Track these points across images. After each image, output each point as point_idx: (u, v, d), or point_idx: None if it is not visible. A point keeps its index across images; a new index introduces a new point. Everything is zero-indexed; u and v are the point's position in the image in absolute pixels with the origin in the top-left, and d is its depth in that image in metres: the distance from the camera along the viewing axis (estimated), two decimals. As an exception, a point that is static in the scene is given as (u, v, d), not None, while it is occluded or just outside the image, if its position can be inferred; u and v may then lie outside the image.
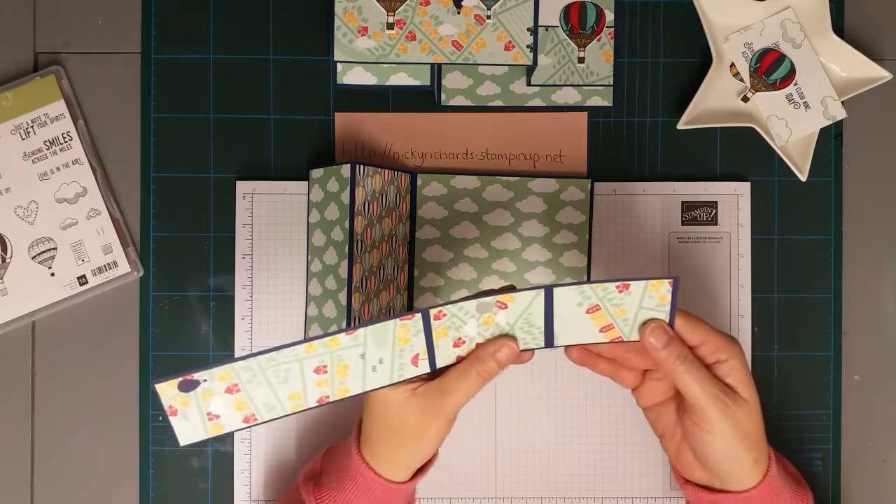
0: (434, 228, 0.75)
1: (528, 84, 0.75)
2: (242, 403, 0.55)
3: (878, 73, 0.75)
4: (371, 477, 0.61)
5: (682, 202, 0.76)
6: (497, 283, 0.75)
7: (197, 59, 0.76)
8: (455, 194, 0.75)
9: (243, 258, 0.75)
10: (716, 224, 0.76)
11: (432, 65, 0.74)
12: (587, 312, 0.58)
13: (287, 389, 0.56)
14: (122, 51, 0.76)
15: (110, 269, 0.74)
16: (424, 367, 0.58)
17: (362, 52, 0.69)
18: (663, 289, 0.57)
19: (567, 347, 0.62)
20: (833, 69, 0.76)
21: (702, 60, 0.76)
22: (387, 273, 0.72)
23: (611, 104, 0.76)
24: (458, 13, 0.69)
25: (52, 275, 0.73)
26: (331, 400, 0.57)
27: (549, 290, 0.56)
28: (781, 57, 0.75)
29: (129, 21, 0.76)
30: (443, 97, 0.76)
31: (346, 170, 0.69)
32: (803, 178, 0.75)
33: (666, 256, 0.76)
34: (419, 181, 0.75)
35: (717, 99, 0.76)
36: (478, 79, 0.76)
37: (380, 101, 0.76)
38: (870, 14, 0.77)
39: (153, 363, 0.75)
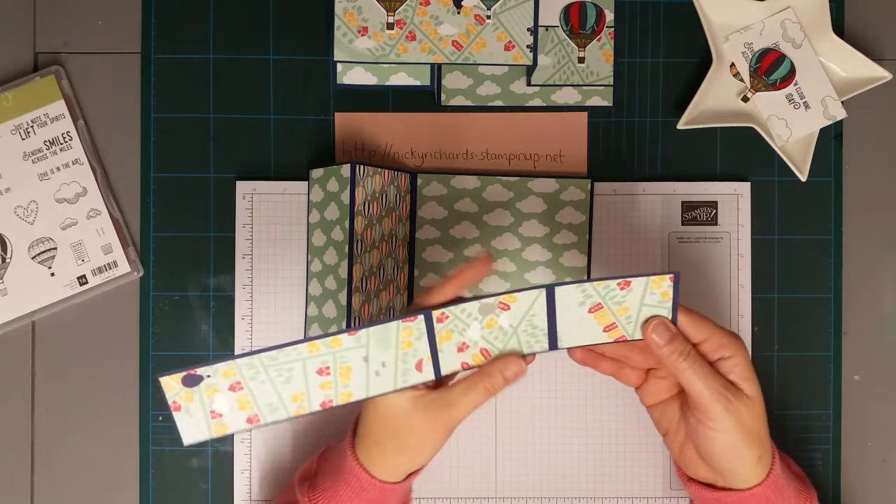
0: (434, 228, 0.75)
1: (528, 84, 0.75)
2: (245, 402, 0.55)
3: (878, 73, 0.75)
4: (365, 478, 0.61)
5: (682, 202, 0.76)
6: (497, 284, 0.75)
7: (197, 59, 0.76)
8: (455, 194, 0.75)
9: (243, 258, 0.75)
10: (716, 224, 0.76)
11: (432, 65, 0.74)
12: (590, 312, 0.58)
13: (290, 390, 0.56)
14: (122, 51, 0.76)
15: (110, 269, 0.74)
16: (429, 373, 0.58)
17: (362, 52, 0.69)
18: (664, 284, 0.57)
19: (570, 348, 0.61)
20: (833, 69, 0.76)
21: (702, 60, 0.76)
22: (387, 273, 0.72)
23: (611, 104, 0.76)
24: (458, 13, 0.69)
25: (52, 275, 0.73)
26: (335, 404, 0.57)
27: (550, 290, 0.56)
28: (781, 57, 0.75)
29: (129, 21, 0.76)
30: (443, 97, 0.76)
31: (346, 170, 0.69)
32: (803, 178, 0.75)
33: (666, 256, 0.76)
34: (419, 181, 0.75)
35: (717, 99, 0.76)
36: (478, 79, 0.76)
37: (380, 101, 0.76)
38: (870, 14, 0.77)
39: (153, 363, 0.75)
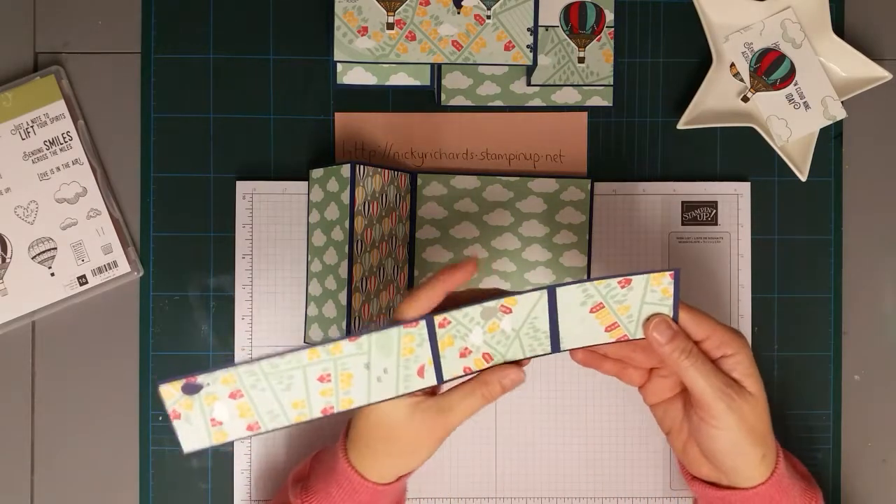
0: (434, 228, 0.75)
1: (528, 84, 0.75)
2: (246, 410, 0.55)
3: (878, 73, 0.75)
4: (357, 480, 0.60)
5: (682, 202, 0.76)
6: (497, 283, 0.75)
7: (197, 59, 0.76)
8: (455, 194, 0.75)
9: (243, 258, 0.75)
10: (716, 224, 0.76)
11: (432, 65, 0.74)
12: (591, 312, 0.58)
13: (291, 397, 0.55)
14: (122, 51, 0.76)
15: (110, 269, 0.74)
16: (431, 379, 0.58)
17: (362, 52, 0.69)
18: (665, 281, 0.57)
19: (572, 350, 0.61)
20: (833, 69, 0.76)
21: (702, 60, 0.76)
22: (387, 273, 0.72)
23: (611, 104, 0.76)
24: (458, 13, 0.69)
25: (52, 275, 0.73)
26: (336, 411, 0.57)
27: (552, 291, 0.56)
28: (781, 57, 0.75)
29: (129, 21, 0.76)
30: (443, 97, 0.76)
31: (346, 170, 0.69)
32: (803, 178, 0.75)
33: (666, 256, 0.76)
34: (419, 181, 0.75)
35: (717, 99, 0.76)
36: (478, 79, 0.76)
37: (380, 101, 0.76)
38: (870, 14, 0.77)
39: (153, 363, 0.75)
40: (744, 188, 0.76)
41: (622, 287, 0.57)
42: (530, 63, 0.70)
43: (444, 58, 0.70)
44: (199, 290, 0.75)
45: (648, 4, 0.77)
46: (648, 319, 0.59)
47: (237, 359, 0.74)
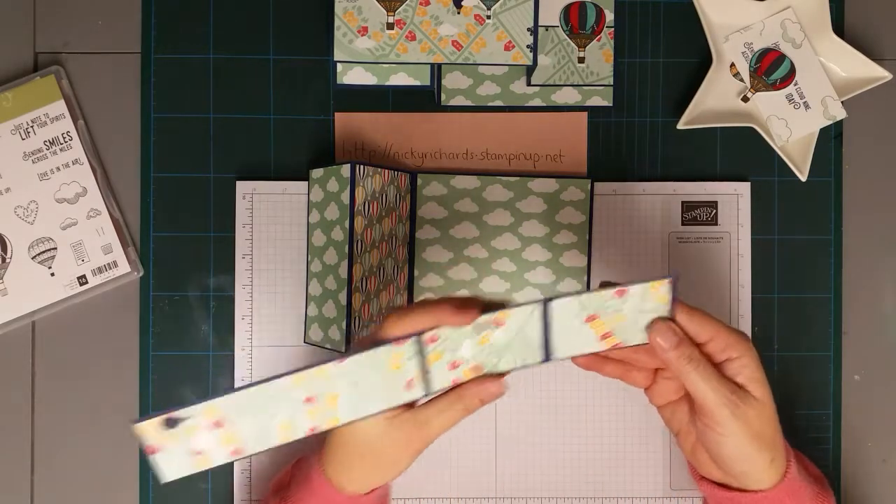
0: (434, 228, 0.75)
1: (528, 84, 0.75)
2: (230, 438, 0.53)
3: (878, 73, 0.75)
4: (333, 493, 0.59)
5: (682, 202, 0.76)
6: (497, 283, 0.75)
7: (197, 59, 0.76)
8: (455, 194, 0.75)
9: (243, 258, 0.75)
10: (716, 224, 0.76)
11: (432, 65, 0.74)
12: (585, 322, 0.57)
13: (277, 421, 0.54)
14: (122, 51, 0.76)
15: (110, 269, 0.74)
16: (419, 392, 0.56)
17: (362, 52, 0.69)
18: (662, 289, 0.57)
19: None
20: (833, 69, 0.76)
21: (702, 60, 0.77)
22: (387, 273, 0.72)
23: (611, 104, 0.76)
24: (458, 13, 0.69)
25: (52, 275, 0.73)
26: (320, 430, 0.55)
27: (546, 304, 0.55)
28: (781, 57, 0.75)
29: (129, 21, 0.76)
30: (443, 97, 0.76)
31: (346, 170, 0.69)
32: (803, 178, 0.75)
33: (666, 256, 0.76)
34: (419, 181, 0.75)
35: (717, 99, 0.76)
36: (478, 79, 0.76)
37: (380, 101, 0.76)
38: (870, 14, 0.77)
39: (153, 363, 0.75)
40: (744, 188, 0.76)
41: (619, 297, 0.56)
42: (530, 63, 0.70)
43: (444, 58, 0.70)
44: (199, 290, 0.75)
45: (648, 4, 0.77)
46: (652, 324, 0.58)
47: (237, 359, 0.74)
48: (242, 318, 0.75)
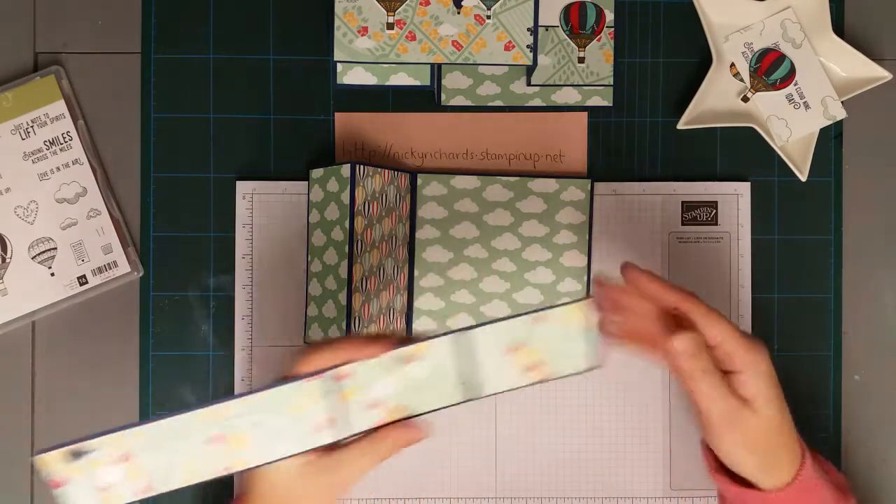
0: (434, 228, 0.75)
1: (528, 84, 0.75)
2: (137, 473, 0.52)
3: (878, 73, 0.75)
4: None
5: (682, 202, 0.76)
6: (497, 283, 0.75)
7: (197, 59, 0.76)
8: (455, 194, 0.75)
9: (243, 258, 0.75)
10: (716, 224, 0.76)
11: (432, 65, 0.74)
12: (509, 353, 0.54)
13: (183, 458, 0.53)
14: (122, 51, 0.76)
15: (110, 269, 0.74)
16: (333, 435, 0.54)
17: (362, 52, 0.69)
18: (583, 312, 0.54)
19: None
20: (833, 69, 0.76)
21: (702, 60, 0.76)
22: (387, 273, 0.72)
23: (611, 104, 0.76)
24: (458, 13, 0.69)
25: (52, 275, 0.73)
26: (232, 471, 0.54)
27: (463, 335, 0.54)
28: (781, 57, 0.75)
29: (129, 21, 0.76)
30: (443, 97, 0.76)
31: (346, 170, 0.69)
32: (803, 178, 0.75)
33: (666, 256, 0.76)
34: (419, 181, 0.75)
35: (717, 99, 0.76)
36: (478, 79, 0.76)
37: (380, 101, 0.76)
38: (870, 14, 0.77)
39: (153, 363, 0.75)
40: (744, 188, 0.76)
41: (537, 323, 0.54)
42: (530, 63, 0.70)
43: (444, 58, 0.70)
44: (199, 290, 0.75)
45: (648, 4, 0.77)
46: (677, 330, 0.57)
47: (237, 359, 0.74)
48: (242, 318, 0.75)
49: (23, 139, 0.73)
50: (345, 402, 0.54)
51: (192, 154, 0.75)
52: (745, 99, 0.76)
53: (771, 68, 0.75)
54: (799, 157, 0.76)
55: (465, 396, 0.55)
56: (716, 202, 0.76)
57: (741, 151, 0.77)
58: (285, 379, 0.54)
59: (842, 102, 0.75)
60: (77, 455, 0.51)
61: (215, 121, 0.76)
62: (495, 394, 0.55)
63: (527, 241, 0.75)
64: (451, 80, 0.75)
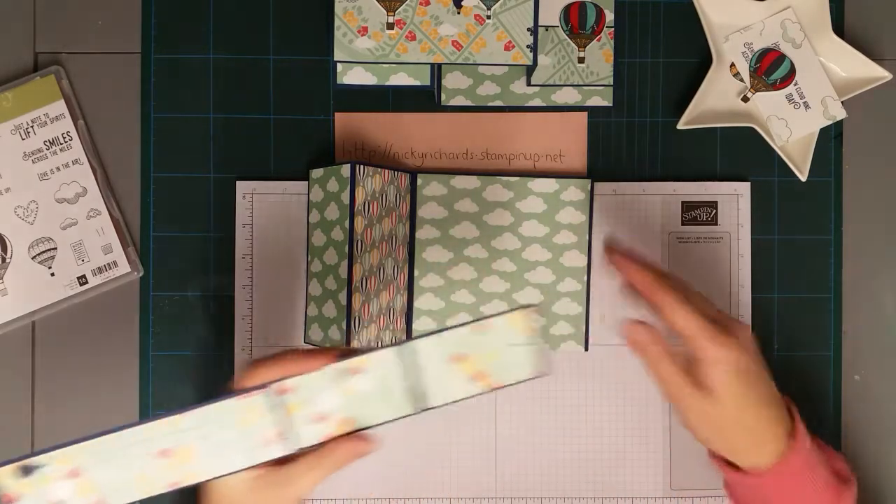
0: (434, 228, 0.75)
1: (528, 84, 0.75)
2: (88, 488, 0.52)
3: (878, 73, 0.75)
4: None
5: (682, 202, 0.76)
6: (497, 283, 0.75)
7: (197, 59, 0.76)
8: (455, 194, 0.75)
9: (243, 258, 0.75)
10: (716, 224, 0.76)
11: (432, 65, 0.74)
12: (453, 362, 0.54)
13: (133, 473, 0.53)
14: (122, 51, 0.76)
15: (110, 269, 0.74)
16: (281, 449, 0.54)
17: (362, 52, 0.69)
18: (526, 319, 0.54)
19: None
20: (833, 69, 0.76)
21: (702, 60, 0.77)
22: (387, 273, 0.72)
23: (611, 104, 0.76)
24: (458, 13, 0.69)
25: (52, 275, 0.73)
26: (182, 485, 0.54)
27: (407, 346, 0.54)
28: (781, 57, 0.75)
29: (129, 21, 0.76)
30: (443, 97, 0.76)
31: (346, 170, 0.69)
32: (803, 178, 0.75)
33: (666, 256, 0.76)
34: (419, 181, 0.75)
35: (717, 99, 0.76)
36: (478, 79, 0.76)
37: (380, 101, 0.76)
38: (870, 14, 0.77)
39: (153, 363, 0.75)
40: (744, 188, 0.76)
41: (481, 332, 0.54)
42: (530, 63, 0.70)
43: (444, 58, 0.70)
44: (199, 290, 0.75)
45: (648, 4, 0.77)
46: (628, 323, 0.61)
47: (236, 359, 0.74)
48: (242, 318, 0.75)
49: (23, 139, 0.73)
50: (290, 416, 0.54)
51: (192, 154, 0.75)
52: (745, 99, 0.76)
53: (771, 68, 0.75)
54: (799, 157, 0.76)
55: (415, 408, 0.55)
56: (716, 202, 0.76)
57: (741, 151, 0.77)
58: (230, 393, 0.54)
59: (842, 102, 0.75)
60: (27, 471, 0.51)
61: (215, 121, 0.76)
62: (445, 404, 0.55)
63: (527, 241, 0.75)
64: (451, 80, 0.75)
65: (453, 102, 0.76)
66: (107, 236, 0.74)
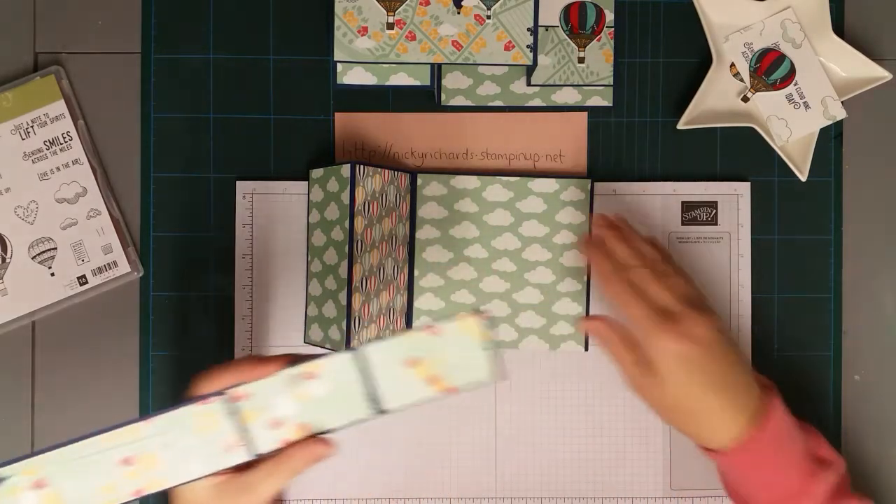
0: (434, 228, 0.75)
1: (528, 84, 0.75)
2: (54, 499, 0.53)
3: (878, 73, 0.75)
4: None
5: (682, 202, 0.76)
6: (497, 283, 0.75)
7: (197, 59, 0.76)
8: (455, 194, 0.75)
9: (243, 258, 0.75)
10: (716, 224, 0.76)
11: (432, 65, 0.74)
12: (408, 366, 0.55)
13: (98, 482, 0.53)
14: (122, 51, 0.76)
15: (110, 269, 0.74)
16: (242, 455, 0.55)
17: (362, 52, 0.69)
18: (474, 325, 0.54)
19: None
20: (833, 69, 0.76)
21: (702, 60, 0.77)
22: (387, 273, 0.72)
23: (611, 104, 0.76)
24: (458, 13, 0.69)
25: (52, 275, 0.73)
26: (147, 493, 0.54)
27: (360, 350, 0.54)
28: (781, 57, 0.75)
29: (129, 21, 0.76)
30: (443, 97, 0.76)
31: (346, 170, 0.69)
32: (803, 178, 0.75)
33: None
34: (419, 181, 0.75)
35: (717, 99, 0.76)
36: (478, 79, 0.76)
37: (380, 101, 0.76)
38: (870, 14, 0.77)
39: (153, 363, 0.75)
40: (744, 188, 0.76)
41: (431, 335, 0.54)
42: (530, 63, 0.70)
43: (444, 58, 0.70)
44: (199, 290, 0.75)
45: (648, 4, 0.77)
46: (583, 320, 0.65)
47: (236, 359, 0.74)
48: (242, 318, 0.75)
49: (23, 139, 0.73)
50: (247, 422, 0.54)
51: (192, 154, 0.75)
52: (745, 99, 0.76)
53: (771, 68, 0.75)
54: (799, 157, 0.76)
55: (371, 411, 0.55)
56: (716, 202, 0.76)
57: (741, 151, 0.77)
58: (188, 399, 0.54)
59: (842, 102, 0.75)
60: None
61: (215, 121, 0.76)
62: (403, 408, 0.55)
63: (527, 241, 0.75)
64: (451, 80, 0.75)
65: (453, 102, 0.76)
66: (107, 236, 0.74)
